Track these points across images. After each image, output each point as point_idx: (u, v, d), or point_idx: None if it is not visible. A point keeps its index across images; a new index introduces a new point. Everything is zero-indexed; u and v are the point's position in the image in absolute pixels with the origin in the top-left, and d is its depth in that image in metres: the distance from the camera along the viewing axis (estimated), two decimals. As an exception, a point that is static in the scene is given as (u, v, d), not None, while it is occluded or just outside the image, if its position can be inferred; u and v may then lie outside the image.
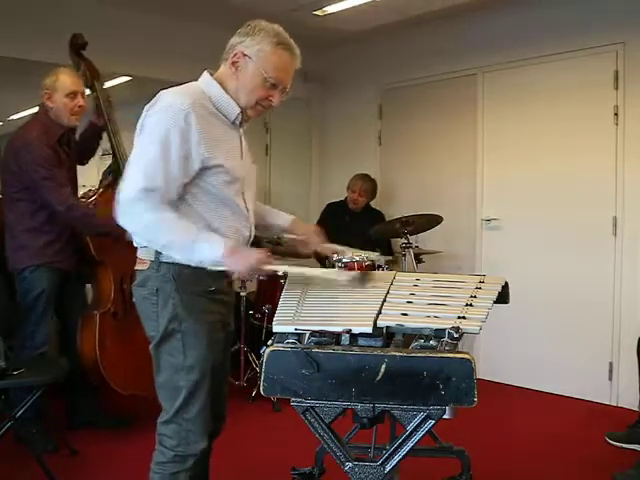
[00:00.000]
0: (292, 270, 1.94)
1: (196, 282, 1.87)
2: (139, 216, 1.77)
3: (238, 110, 1.91)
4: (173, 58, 4.48)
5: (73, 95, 3.10)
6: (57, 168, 3.04)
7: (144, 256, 1.91)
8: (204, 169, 1.83)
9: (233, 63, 1.87)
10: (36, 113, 3.19)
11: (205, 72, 1.93)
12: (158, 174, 1.75)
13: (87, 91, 3.33)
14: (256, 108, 1.92)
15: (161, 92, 1.85)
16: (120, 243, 3.07)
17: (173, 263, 1.85)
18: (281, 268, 1.90)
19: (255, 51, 1.84)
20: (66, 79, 3.10)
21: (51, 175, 2.99)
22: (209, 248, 1.76)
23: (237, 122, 1.94)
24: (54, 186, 2.99)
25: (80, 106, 3.14)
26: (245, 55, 1.85)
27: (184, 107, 1.77)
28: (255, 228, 2.04)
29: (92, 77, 3.32)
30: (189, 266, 1.84)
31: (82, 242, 3.17)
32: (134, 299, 1.98)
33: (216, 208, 1.88)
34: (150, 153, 1.76)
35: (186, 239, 1.76)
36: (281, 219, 2.22)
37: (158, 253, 1.86)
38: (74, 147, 3.28)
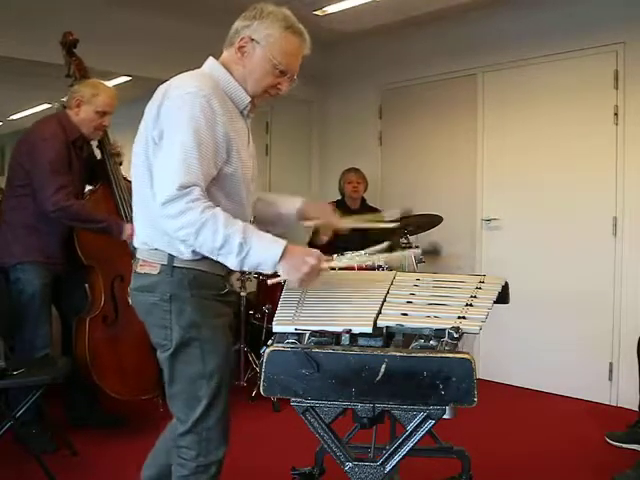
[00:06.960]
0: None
1: (210, 285, 1.78)
2: (181, 217, 1.59)
3: (248, 99, 1.80)
4: (173, 58, 4.46)
5: (102, 114, 3.14)
6: (66, 167, 3.03)
7: (154, 259, 1.76)
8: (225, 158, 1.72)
9: (239, 48, 1.75)
10: (56, 112, 3.20)
11: (210, 58, 1.82)
12: (195, 167, 1.60)
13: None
14: (263, 96, 1.82)
15: (169, 82, 1.72)
16: (110, 246, 3.09)
17: (188, 267, 1.74)
18: (335, 264, 1.89)
19: (264, 36, 1.72)
20: (105, 99, 3.13)
21: (56, 171, 2.96)
22: (264, 249, 1.61)
23: (245, 111, 1.83)
24: (53, 182, 2.94)
25: (104, 125, 3.18)
26: (253, 40, 1.73)
27: (205, 92, 1.66)
28: (254, 222, 1.90)
29: (81, 76, 3.30)
30: (203, 270, 1.75)
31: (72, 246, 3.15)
32: (132, 303, 1.86)
33: (223, 197, 1.75)
34: (180, 146, 1.61)
35: (236, 240, 1.59)
36: (288, 205, 2.03)
37: (171, 257, 1.73)
38: (86, 153, 3.27)
